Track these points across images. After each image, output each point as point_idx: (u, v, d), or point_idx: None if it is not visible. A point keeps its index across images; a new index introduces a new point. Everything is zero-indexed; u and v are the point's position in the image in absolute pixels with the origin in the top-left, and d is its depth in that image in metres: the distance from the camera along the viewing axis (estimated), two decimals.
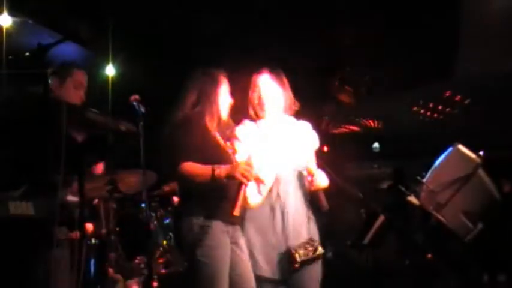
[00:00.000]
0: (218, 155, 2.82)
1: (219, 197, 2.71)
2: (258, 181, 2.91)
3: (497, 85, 6.67)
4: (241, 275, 2.77)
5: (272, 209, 2.97)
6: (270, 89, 3.09)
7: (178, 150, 2.71)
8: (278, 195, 2.99)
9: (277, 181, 3.00)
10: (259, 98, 3.11)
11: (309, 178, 3.01)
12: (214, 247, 2.65)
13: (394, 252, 5.19)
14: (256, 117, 3.15)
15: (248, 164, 2.68)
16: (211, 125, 2.89)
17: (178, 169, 2.67)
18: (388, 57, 5.69)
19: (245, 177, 2.63)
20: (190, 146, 2.71)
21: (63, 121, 2.46)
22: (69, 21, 4.14)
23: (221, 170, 2.64)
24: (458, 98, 7.11)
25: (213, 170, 2.63)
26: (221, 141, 2.94)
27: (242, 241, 2.87)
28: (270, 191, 2.98)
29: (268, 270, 2.92)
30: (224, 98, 2.99)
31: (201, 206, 2.68)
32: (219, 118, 2.97)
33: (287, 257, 2.91)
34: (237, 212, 2.64)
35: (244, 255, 2.84)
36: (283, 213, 2.97)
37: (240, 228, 2.90)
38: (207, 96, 2.89)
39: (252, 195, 2.92)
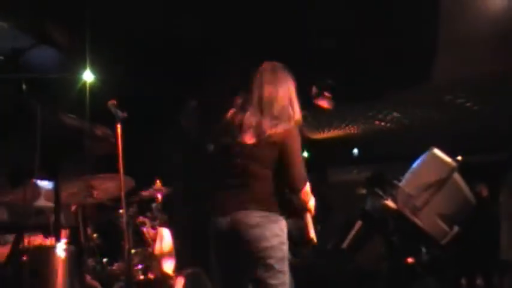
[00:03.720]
0: None
1: None
2: None
3: (473, 89, 6.79)
4: None
5: None
6: None
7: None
8: None
9: None
10: None
11: None
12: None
13: (374, 255, 5.22)
14: None
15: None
16: None
17: (306, 187, 2.77)
18: (364, 63, 5.72)
19: None
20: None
21: (38, 125, 2.44)
22: (45, 25, 4.08)
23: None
24: (435, 102, 7.20)
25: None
26: None
27: None
28: None
29: None
30: None
31: (281, 207, 2.74)
32: None
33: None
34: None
35: None
36: None
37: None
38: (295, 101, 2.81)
39: None
